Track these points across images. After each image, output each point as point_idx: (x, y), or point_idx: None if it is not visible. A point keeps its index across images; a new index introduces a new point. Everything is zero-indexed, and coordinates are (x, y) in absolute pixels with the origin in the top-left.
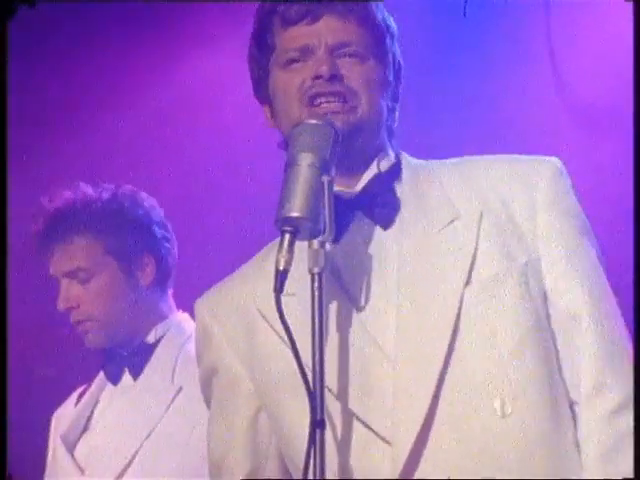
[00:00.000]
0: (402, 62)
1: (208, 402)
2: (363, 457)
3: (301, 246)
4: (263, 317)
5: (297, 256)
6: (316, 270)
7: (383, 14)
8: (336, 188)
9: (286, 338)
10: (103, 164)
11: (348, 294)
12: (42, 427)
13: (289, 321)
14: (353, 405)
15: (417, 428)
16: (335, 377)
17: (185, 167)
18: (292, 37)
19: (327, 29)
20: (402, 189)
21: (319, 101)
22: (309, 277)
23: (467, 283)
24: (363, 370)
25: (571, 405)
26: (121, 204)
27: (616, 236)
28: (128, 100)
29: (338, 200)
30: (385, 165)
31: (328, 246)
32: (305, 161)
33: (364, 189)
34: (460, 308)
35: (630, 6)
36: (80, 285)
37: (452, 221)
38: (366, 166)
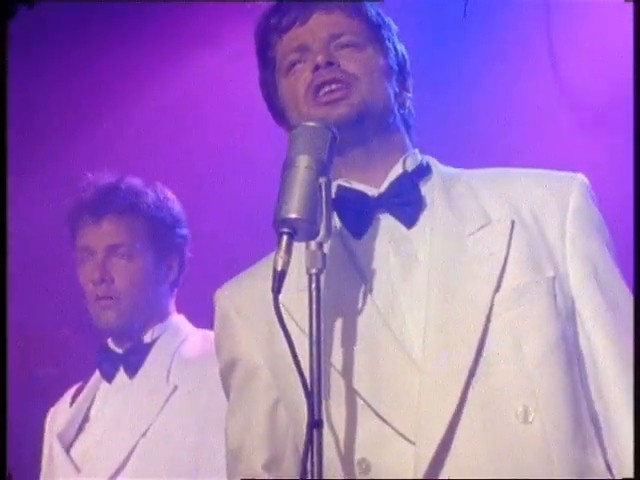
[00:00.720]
0: (406, 55)
1: (227, 392)
2: (385, 455)
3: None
4: (285, 309)
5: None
6: (314, 271)
7: (376, 10)
8: (361, 185)
9: (306, 330)
10: (103, 165)
11: (371, 292)
12: (42, 427)
13: (302, 315)
14: (377, 404)
15: (442, 430)
16: (360, 376)
17: (189, 168)
18: (287, 42)
19: (318, 25)
20: (432, 190)
21: (322, 91)
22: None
23: (497, 289)
24: (388, 370)
25: (593, 419)
26: (165, 200)
27: (616, 234)
28: (129, 100)
29: (363, 198)
30: (411, 164)
31: (326, 247)
32: (302, 163)
33: (389, 187)
34: (490, 314)
35: (630, 7)
36: (119, 261)
37: (483, 226)
38: (387, 161)
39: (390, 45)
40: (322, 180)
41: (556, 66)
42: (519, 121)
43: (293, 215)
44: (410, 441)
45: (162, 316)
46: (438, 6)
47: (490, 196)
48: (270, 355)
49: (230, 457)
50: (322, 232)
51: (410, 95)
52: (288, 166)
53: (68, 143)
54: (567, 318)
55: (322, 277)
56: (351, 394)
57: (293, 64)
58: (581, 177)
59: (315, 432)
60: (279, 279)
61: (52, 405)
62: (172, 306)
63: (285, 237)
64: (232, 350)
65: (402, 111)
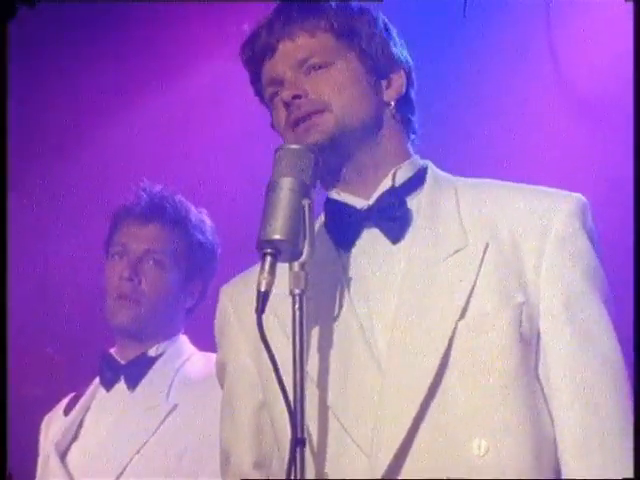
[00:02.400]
0: (399, 52)
1: (222, 388)
2: (342, 465)
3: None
4: (275, 314)
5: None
6: (297, 292)
7: (342, 9)
8: (350, 198)
9: (294, 339)
10: (105, 164)
11: (352, 304)
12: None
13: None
14: (339, 411)
15: (395, 448)
16: (331, 386)
17: (193, 174)
18: (264, 75)
19: (284, 55)
20: (418, 203)
21: (299, 126)
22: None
23: (461, 317)
24: (356, 380)
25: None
26: (210, 229)
27: (616, 231)
28: (130, 102)
29: (349, 210)
30: (402, 177)
31: (308, 267)
32: (286, 185)
33: (377, 201)
34: (451, 341)
35: (630, 6)
36: (152, 267)
37: (458, 250)
38: (378, 172)
39: (365, 42)
40: (305, 202)
41: (557, 65)
42: (520, 120)
43: (276, 236)
44: (365, 453)
45: (171, 333)
46: (438, 6)
47: (473, 214)
48: (259, 360)
49: (222, 457)
50: (305, 253)
51: (402, 90)
52: (272, 188)
53: (68, 143)
54: (531, 344)
55: (310, 285)
56: (323, 406)
57: (272, 97)
58: (574, 198)
59: (298, 450)
60: (263, 300)
61: (52, 405)
62: (182, 327)
63: (268, 258)
64: (225, 349)
65: (395, 113)
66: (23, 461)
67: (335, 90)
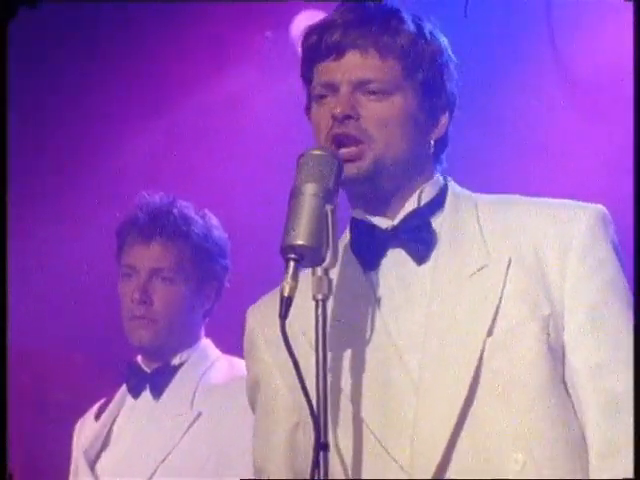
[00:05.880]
0: (453, 89)
1: (253, 410)
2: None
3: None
4: (303, 333)
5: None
6: (319, 297)
7: (419, 35)
8: (374, 218)
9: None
10: (105, 165)
11: (384, 321)
12: (43, 427)
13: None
14: (374, 426)
15: (434, 465)
16: (365, 402)
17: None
18: (321, 73)
19: (349, 66)
20: (441, 223)
21: (339, 146)
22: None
23: (489, 334)
24: (391, 397)
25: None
26: (213, 229)
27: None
28: (130, 102)
29: (374, 230)
30: (426, 197)
31: (332, 273)
32: (309, 191)
33: (401, 222)
34: (481, 358)
35: (630, 6)
36: (161, 285)
37: (482, 268)
38: (404, 193)
39: (428, 79)
40: (328, 207)
41: (558, 65)
42: (520, 119)
43: (300, 242)
44: (405, 471)
45: (192, 341)
46: (438, 6)
47: (494, 230)
48: (290, 379)
49: (256, 475)
50: (328, 259)
51: (444, 130)
52: (295, 194)
53: (68, 143)
54: (559, 355)
55: (337, 303)
56: (358, 420)
57: (321, 96)
58: (594, 209)
59: (322, 454)
60: (286, 305)
61: (53, 405)
62: (202, 331)
63: (292, 263)
64: (255, 371)
65: (433, 151)
66: (23, 461)
67: (384, 125)
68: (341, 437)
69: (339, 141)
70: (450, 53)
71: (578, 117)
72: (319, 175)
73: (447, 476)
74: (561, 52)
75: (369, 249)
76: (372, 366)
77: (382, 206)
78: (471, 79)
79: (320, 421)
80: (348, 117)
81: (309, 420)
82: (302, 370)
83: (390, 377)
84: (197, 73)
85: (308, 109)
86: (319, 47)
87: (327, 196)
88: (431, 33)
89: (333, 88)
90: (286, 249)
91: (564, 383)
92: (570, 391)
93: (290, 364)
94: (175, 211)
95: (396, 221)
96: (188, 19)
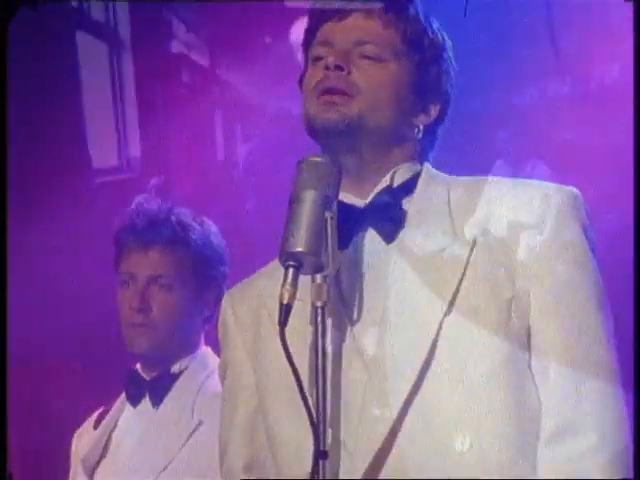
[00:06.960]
0: (448, 88)
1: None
2: (333, 463)
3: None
4: (272, 323)
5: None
6: (319, 304)
7: (424, 27)
8: (348, 196)
9: (288, 346)
10: (104, 165)
11: (344, 304)
12: (42, 427)
13: (297, 323)
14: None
15: (377, 445)
16: (322, 383)
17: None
18: (321, 34)
19: (350, 26)
20: (411, 203)
21: (324, 96)
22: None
23: (447, 313)
24: (342, 375)
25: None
26: (211, 235)
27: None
28: (130, 103)
29: (348, 209)
30: (400, 178)
31: (329, 279)
32: (308, 198)
33: (372, 201)
34: (437, 337)
35: (630, 6)
36: (159, 292)
37: (446, 248)
38: (380, 172)
39: (426, 62)
40: (328, 214)
41: (558, 64)
42: (520, 118)
43: (299, 249)
44: (348, 451)
45: (191, 348)
46: (438, 6)
47: (464, 210)
48: (255, 363)
49: (220, 456)
50: (329, 266)
51: (431, 121)
52: (294, 200)
53: (69, 145)
54: (522, 339)
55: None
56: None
57: (318, 58)
58: (565, 191)
59: (320, 463)
60: (285, 312)
61: (52, 405)
62: (202, 339)
63: (291, 270)
64: (226, 353)
65: (419, 137)
66: (23, 461)
67: (374, 86)
68: (281, 411)
69: (327, 90)
70: (451, 55)
71: (578, 117)
72: (318, 182)
73: (390, 457)
74: (561, 52)
75: (342, 228)
76: (332, 346)
77: (357, 183)
78: (471, 79)
79: (320, 429)
80: (340, 68)
81: (266, 406)
82: (266, 351)
83: (343, 357)
84: (197, 73)
85: (302, 80)
86: (323, 11)
87: (326, 203)
88: (438, 28)
89: (331, 46)
90: (285, 256)
91: (527, 368)
92: (536, 377)
93: (257, 356)
94: (173, 218)
95: (367, 200)
96: (189, 19)
